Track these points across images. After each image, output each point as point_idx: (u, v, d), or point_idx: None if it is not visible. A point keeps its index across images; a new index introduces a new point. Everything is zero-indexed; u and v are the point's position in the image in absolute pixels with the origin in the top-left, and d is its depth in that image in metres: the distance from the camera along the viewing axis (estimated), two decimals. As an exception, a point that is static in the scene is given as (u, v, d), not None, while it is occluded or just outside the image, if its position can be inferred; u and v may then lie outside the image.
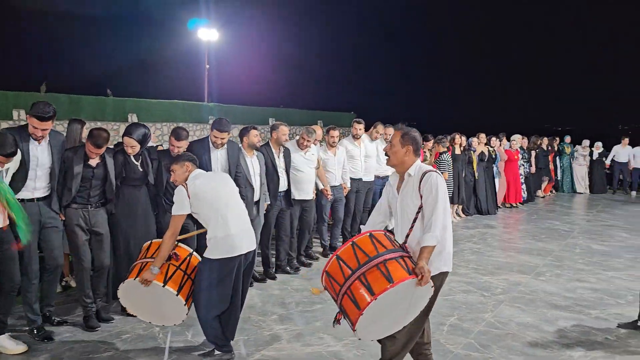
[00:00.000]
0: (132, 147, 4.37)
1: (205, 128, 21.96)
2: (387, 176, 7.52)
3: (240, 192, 5.14)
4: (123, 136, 4.41)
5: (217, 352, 3.75)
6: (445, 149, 8.73)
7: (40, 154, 3.94)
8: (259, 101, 30.10)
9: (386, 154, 3.16)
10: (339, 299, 2.76)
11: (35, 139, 3.88)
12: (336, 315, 2.90)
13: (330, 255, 2.88)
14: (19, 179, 3.85)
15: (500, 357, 3.90)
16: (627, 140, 13.79)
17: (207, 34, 28.34)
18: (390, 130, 7.62)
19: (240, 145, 5.35)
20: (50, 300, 4.25)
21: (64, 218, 4.14)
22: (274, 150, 5.66)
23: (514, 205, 11.18)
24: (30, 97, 17.43)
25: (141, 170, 4.48)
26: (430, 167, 3.12)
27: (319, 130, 6.28)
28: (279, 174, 5.62)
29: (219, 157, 4.97)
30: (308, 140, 5.86)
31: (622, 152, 13.69)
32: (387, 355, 3.06)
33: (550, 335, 4.32)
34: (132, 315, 4.37)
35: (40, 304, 4.09)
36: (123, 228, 4.43)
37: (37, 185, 3.95)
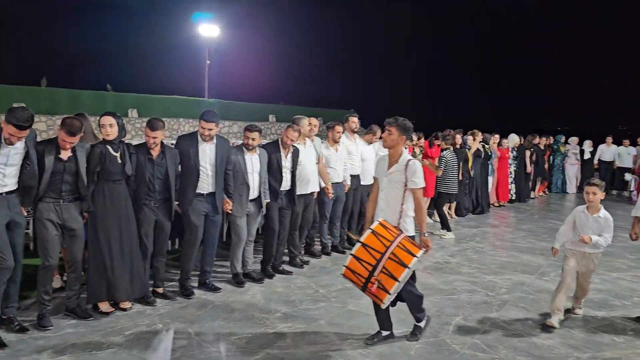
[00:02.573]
0: (111, 125, 4.29)
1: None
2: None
3: (234, 189, 5.14)
4: (101, 116, 4.34)
5: (421, 323, 4.13)
6: (449, 146, 8.66)
7: (12, 154, 3.76)
8: (259, 98, 30.00)
9: None
10: None
11: (8, 144, 3.69)
12: None
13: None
14: None
15: (507, 358, 3.86)
16: (610, 139, 13.84)
17: (208, 29, 28.22)
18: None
19: (242, 143, 5.33)
20: (13, 303, 4.00)
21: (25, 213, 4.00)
22: (282, 149, 5.60)
23: (502, 204, 11.16)
24: (30, 91, 17.38)
25: (120, 162, 4.36)
26: None
27: (305, 121, 6.06)
28: (283, 174, 5.58)
29: (207, 151, 4.91)
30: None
31: (607, 151, 13.69)
32: None
33: (556, 337, 4.29)
34: (105, 313, 4.33)
35: (3, 309, 3.91)
36: (104, 226, 4.31)
37: (7, 182, 3.78)
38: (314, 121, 6.21)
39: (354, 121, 6.91)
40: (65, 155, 4.04)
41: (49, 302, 4.12)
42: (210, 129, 4.85)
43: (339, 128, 6.43)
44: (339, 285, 5.39)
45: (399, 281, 3.60)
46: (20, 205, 3.92)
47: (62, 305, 4.34)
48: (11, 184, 3.81)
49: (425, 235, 3.94)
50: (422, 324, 4.13)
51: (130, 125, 18.98)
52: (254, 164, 5.32)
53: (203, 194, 4.93)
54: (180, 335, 4.05)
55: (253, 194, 5.34)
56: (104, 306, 4.41)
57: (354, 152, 6.81)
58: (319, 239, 6.66)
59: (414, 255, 3.66)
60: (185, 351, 3.78)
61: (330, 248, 6.67)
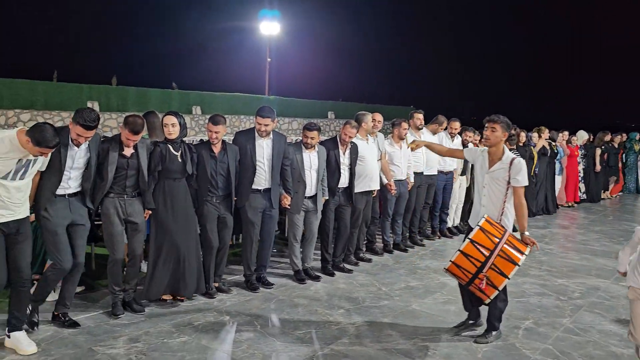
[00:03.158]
0: (173, 124, 4.38)
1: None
2: (451, 172, 7.36)
3: (291, 186, 5.14)
4: (164, 115, 4.44)
5: (494, 332, 4.04)
6: (514, 147, 8.33)
7: (77, 158, 3.85)
8: (318, 94, 30.12)
9: None
10: None
11: (76, 145, 3.78)
12: None
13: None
14: (54, 181, 3.74)
15: (582, 365, 3.68)
16: None
17: (269, 27, 28.61)
18: (457, 125, 7.35)
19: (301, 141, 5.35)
20: (67, 301, 4.03)
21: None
22: (340, 146, 5.56)
23: (571, 204, 10.61)
24: (103, 90, 18.28)
25: (180, 161, 4.44)
26: None
27: (369, 117, 6.00)
28: (341, 171, 5.54)
29: (264, 146, 4.94)
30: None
31: None
32: None
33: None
34: (172, 304, 4.43)
35: (56, 304, 4.02)
36: (164, 222, 4.40)
37: (71, 184, 3.86)
38: (378, 117, 6.16)
39: (419, 118, 6.84)
40: (128, 152, 4.17)
41: (120, 292, 4.30)
42: (266, 125, 4.87)
43: (405, 125, 6.36)
44: (402, 284, 5.33)
45: (508, 278, 3.66)
46: (83, 206, 3.99)
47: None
48: (74, 186, 3.91)
49: (527, 233, 3.87)
50: (493, 333, 4.03)
51: (194, 121, 19.61)
52: (311, 160, 5.30)
53: (260, 190, 4.97)
54: (246, 328, 4.13)
55: (310, 191, 5.32)
56: (169, 298, 4.55)
57: (418, 150, 6.70)
58: (381, 236, 6.62)
59: (522, 253, 3.71)
60: (252, 343, 3.85)
61: (392, 246, 6.61)
